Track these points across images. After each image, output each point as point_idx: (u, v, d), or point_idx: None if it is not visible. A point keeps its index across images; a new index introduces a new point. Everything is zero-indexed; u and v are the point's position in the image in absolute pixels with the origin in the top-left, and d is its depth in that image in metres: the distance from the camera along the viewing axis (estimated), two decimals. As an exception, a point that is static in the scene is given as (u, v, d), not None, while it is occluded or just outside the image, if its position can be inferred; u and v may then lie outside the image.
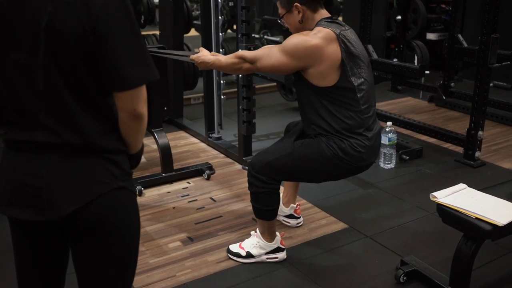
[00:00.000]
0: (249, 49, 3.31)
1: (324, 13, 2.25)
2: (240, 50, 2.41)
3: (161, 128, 3.35)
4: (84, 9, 1.18)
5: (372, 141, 2.25)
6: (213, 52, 2.44)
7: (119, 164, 1.33)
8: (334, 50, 2.13)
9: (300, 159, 2.25)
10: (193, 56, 2.42)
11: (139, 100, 1.27)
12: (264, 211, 2.37)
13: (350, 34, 2.21)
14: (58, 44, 1.20)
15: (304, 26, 2.24)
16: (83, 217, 1.29)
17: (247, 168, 3.50)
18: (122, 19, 1.23)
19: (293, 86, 2.31)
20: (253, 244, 2.48)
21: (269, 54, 2.21)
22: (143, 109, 1.29)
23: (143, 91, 1.28)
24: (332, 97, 2.18)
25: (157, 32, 4.78)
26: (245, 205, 3.04)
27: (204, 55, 2.38)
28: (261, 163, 2.30)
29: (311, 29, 2.20)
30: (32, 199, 1.27)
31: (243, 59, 2.27)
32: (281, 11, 2.28)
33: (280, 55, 2.17)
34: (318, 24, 2.21)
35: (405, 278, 2.31)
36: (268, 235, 2.46)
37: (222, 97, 3.96)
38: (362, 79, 2.20)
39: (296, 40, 2.17)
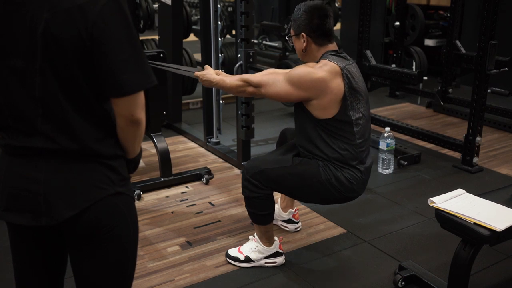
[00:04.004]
0: (248, 55, 3.34)
1: (331, 46, 2.27)
2: (245, 74, 2.49)
3: (160, 133, 3.36)
4: (81, 15, 1.18)
5: (364, 175, 2.30)
6: (217, 71, 2.47)
7: (116, 169, 1.33)
8: (338, 84, 2.16)
9: (295, 176, 2.28)
10: (198, 73, 2.46)
11: (136, 106, 1.27)
12: (259, 216, 2.38)
13: (354, 69, 2.24)
14: (54, 50, 1.20)
15: (307, 54, 2.29)
16: (81, 223, 1.29)
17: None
18: (119, 25, 1.22)
19: (294, 113, 2.35)
20: (251, 248, 2.48)
21: (274, 81, 2.24)
22: (141, 115, 1.29)
23: (140, 97, 1.28)
24: (329, 129, 2.22)
25: (157, 37, 4.80)
26: (244, 209, 3.03)
27: (209, 73, 2.42)
28: (256, 169, 2.32)
29: (317, 61, 2.24)
30: (29, 204, 1.27)
31: (247, 83, 2.30)
32: (291, 31, 2.31)
33: (285, 84, 2.21)
34: (324, 56, 2.24)
35: (403, 283, 2.31)
36: (266, 240, 2.46)
37: (221, 102, 3.97)
38: (360, 114, 2.24)
39: (302, 71, 2.19)
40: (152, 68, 1.32)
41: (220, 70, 2.57)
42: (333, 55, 2.23)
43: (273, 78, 2.25)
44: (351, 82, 2.19)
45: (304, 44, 2.25)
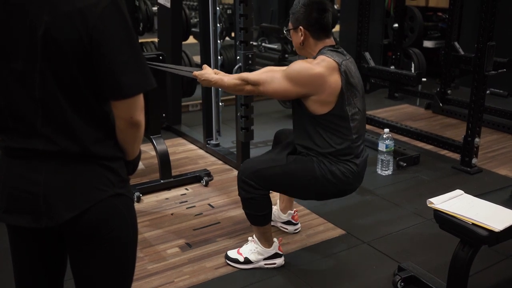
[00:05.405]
0: (247, 57, 3.35)
1: (328, 41, 2.28)
2: (243, 72, 2.49)
3: (160, 135, 3.36)
4: (81, 18, 1.19)
5: (360, 168, 2.32)
6: (216, 70, 2.48)
7: (116, 171, 1.34)
8: (336, 80, 2.18)
9: (290, 174, 2.29)
10: (196, 73, 2.46)
11: (136, 108, 1.28)
12: (256, 217, 2.39)
13: (350, 64, 2.25)
14: (54, 52, 1.20)
15: (305, 48, 2.30)
16: (81, 224, 1.30)
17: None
18: (118, 28, 1.23)
19: (292, 111, 2.37)
20: (251, 250, 2.48)
21: (272, 79, 2.25)
22: (140, 117, 1.30)
23: (140, 99, 1.28)
24: (326, 124, 2.23)
25: (156, 40, 4.81)
26: (243, 211, 3.04)
27: (207, 73, 2.42)
28: (251, 169, 2.32)
29: (314, 56, 2.25)
30: (29, 206, 1.28)
31: (245, 81, 2.31)
32: (290, 24, 2.32)
33: (283, 81, 2.21)
34: (321, 52, 2.24)
35: (402, 284, 2.31)
36: (265, 241, 2.47)
37: (220, 104, 3.98)
38: (356, 109, 2.25)
39: (299, 67, 2.20)
40: (152, 69, 1.32)
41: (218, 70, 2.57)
42: (330, 50, 2.23)
43: (271, 76, 2.26)
44: (348, 77, 2.20)
45: (302, 38, 2.26)
